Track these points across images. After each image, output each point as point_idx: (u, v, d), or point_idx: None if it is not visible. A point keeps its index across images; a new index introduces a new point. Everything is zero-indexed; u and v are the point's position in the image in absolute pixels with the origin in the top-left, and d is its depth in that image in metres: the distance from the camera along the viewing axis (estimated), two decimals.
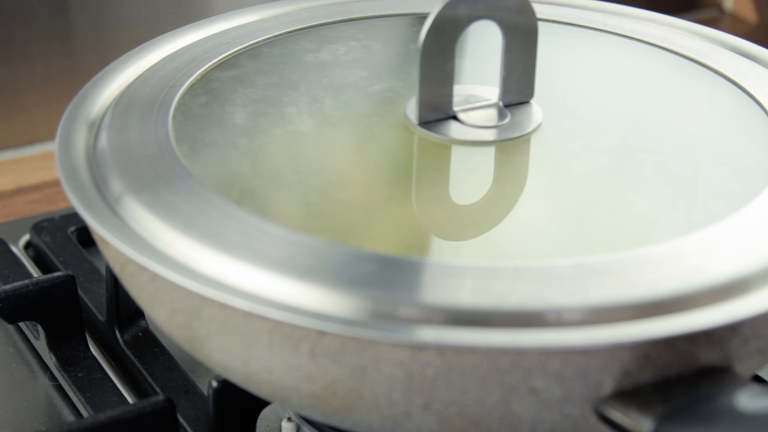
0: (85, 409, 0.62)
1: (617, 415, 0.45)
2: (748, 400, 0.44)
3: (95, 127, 0.57)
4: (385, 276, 0.47)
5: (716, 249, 0.49)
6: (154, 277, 0.48)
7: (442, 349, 0.45)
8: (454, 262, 0.49)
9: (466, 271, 0.47)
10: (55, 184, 0.84)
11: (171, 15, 0.93)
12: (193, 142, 0.58)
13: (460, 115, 0.58)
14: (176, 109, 0.58)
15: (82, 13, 0.90)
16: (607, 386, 0.46)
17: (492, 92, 0.60)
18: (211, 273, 0.48)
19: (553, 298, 0.46)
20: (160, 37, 0.64)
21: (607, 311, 0.46)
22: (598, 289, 0.47)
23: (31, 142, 0.90)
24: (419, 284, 0.47)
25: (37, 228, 0.75)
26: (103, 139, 0.56)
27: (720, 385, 0.46)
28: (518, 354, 0.45)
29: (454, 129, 0.58)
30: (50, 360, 0.65)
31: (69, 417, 0.62)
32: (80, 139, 0.56)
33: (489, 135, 0.58)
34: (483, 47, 0.63)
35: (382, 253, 0.49)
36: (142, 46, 0.63)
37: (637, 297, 0.46)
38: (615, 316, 0.46)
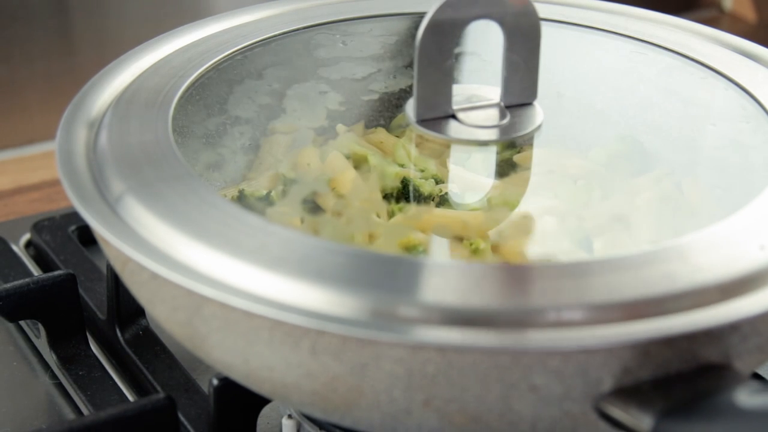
0: (86, 407, 0.62)
1: (617, 412, 0.45)
2: (747, 397, 0.44)
3: (95, 127, 0.57)
4: (385, 276, 0.47)
5: (715, 248, 0.49)
6: (155, 275, 0.48)
7: (442, 347, 0.45)
8: (452, 261, 0.49)
9: (464, 270, 0.47)
10: (55, 183, 0.84)
11: (171, 15, 0.93)
12: (193, 142, 0.58)
13: (460, 115, 0.58)
14: (176, 108, 0.58)
15: (82, 13, 0.90)
16: (607, 383, 0.46)
17: (496, 92, 0.59)
18: (211, 272, 0.48)
19: (553, 298, 0.46)
20: (159, 37, 0.64)
21: (607, 310, 0.46)
22: (597, 289, 0.47)
23: (31, 141, 0.90)
24: (418, 284, 0.47)
25: (38, 227, 0.75)
26: (104, 139, 0.56)
27: (719, 382, 0.46)
28: (518, 351, 0.45)
29: (451, 128, 0.57)
30: (51, 358, 0.65)
31: (70, 415, 0.62)
32: (80, 139, 0.56)
33: (486, 135, 0.58)
34: (497, 46, 0.63)
35: (381, 252, 0.49)
36: (141, 45, 0.63)
37: (637, 295, 0.47)
38: (615, 315, 0.46)
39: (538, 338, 0.45)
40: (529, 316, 0.46)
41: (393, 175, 0.58)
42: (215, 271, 0.48)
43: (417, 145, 0.60)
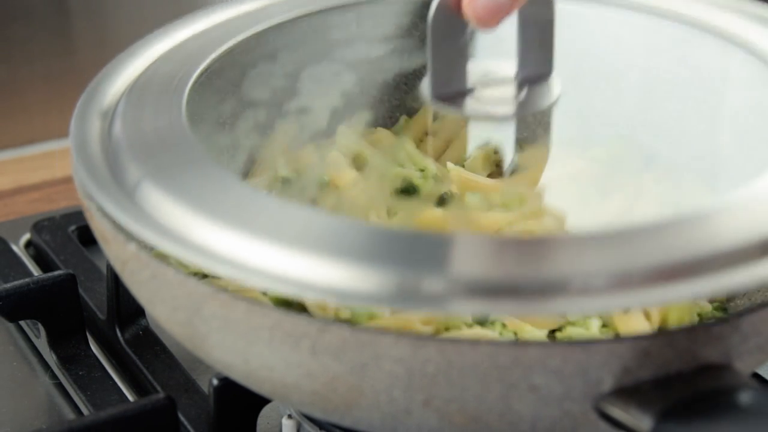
0: (86, 407, 0.62)
1: (617, 412, 0.45)
2: (747, 398, 0.44)
3: (109, 116, 0.56)
4: (407, 251, 0.46)
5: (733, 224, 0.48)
6: (155, 274, 0.48)
7: (442, 346, 0.45)
8: (474, 235, 0.48)
9: (488, 243, 0.47)
10: (55, 183, 0.84)
11: (171, 14, 0.92)
12: (208, 128, 0.57)
13: (475, 91, 0.57)
14: (190, 95, 0.56)
15: (82, 13, 0.90)
16: (607, 383, 0.46)
17: (511, 67, 0.58)
18: (230, 254, 0.46)
19: (576, 266, 0.45)
20: (171, 23, 0.63)
21: (629, 277, 0.45)
22: (620, 257, 0.45)
23: (31, 141, 0.90)
24: (442, 258, 0.46)
25: (38, 227, 0.75)
26: (118, 126, 0.55)
27: (719, 382, 0.46)
28: (518, 351, 0.45)
29: (467, 104, 0.57)
30: (51, 358, 0.65)
31: (70, 415, 0.62)
32: (94, 128, 0.55)
33: (503, 110, 0.57)
34: (511, 20, 0.61)
35: (402, 228, 0.49)
36: (154, 33, 0.62)
37: (658, 263, 0.46)
38: (636, 281, 0.45)
39: (564, 305, 0.44)
40: (552, 284, 0.45)
41: (393, 175, 0.58)
42: (234, 254, 0.46)
43: (431, 121, 0.59)
